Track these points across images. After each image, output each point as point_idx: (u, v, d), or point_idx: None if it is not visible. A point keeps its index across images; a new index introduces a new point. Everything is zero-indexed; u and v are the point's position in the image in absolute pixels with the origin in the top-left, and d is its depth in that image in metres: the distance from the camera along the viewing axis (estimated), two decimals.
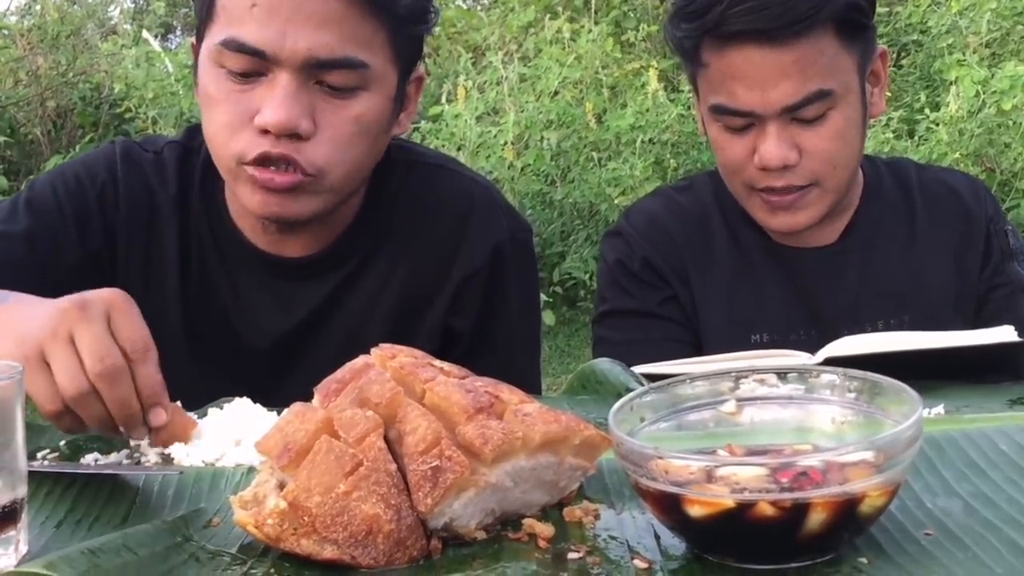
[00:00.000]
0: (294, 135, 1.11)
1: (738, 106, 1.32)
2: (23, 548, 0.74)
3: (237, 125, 1.13)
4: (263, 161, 1.12)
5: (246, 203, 1.18)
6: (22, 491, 0.74)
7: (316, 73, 1.12)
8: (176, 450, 0.92)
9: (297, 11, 1.10)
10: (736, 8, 1.26)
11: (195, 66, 1.22)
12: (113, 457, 0.92)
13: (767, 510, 0.64)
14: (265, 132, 1.11)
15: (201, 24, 1.18)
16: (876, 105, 1.40)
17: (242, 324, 1.28)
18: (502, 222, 1.34)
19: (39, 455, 0.93)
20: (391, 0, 1.15)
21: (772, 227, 1.41)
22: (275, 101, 1.11)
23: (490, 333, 1.32)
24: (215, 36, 1.14)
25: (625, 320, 1.47)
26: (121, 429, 0.92)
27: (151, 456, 0.92)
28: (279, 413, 0.96)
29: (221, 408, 0.99)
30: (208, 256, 1.28)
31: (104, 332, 0.90)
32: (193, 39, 1.23)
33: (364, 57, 1.14)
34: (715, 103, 1.34)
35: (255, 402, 1.00)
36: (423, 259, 1.30)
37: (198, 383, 1.09)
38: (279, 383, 1.23)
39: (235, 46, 1.11)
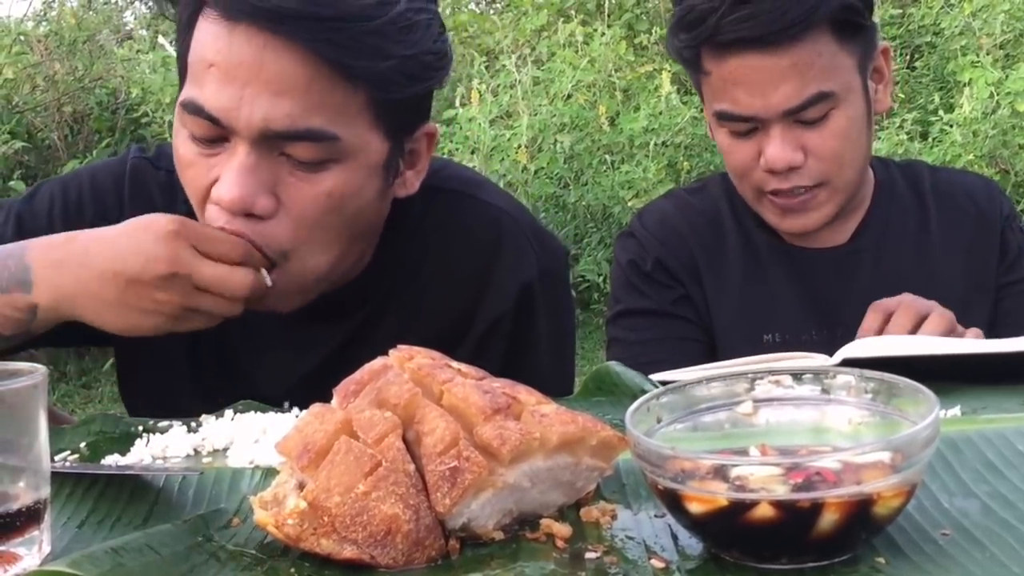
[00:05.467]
0: (251, 214, 1.02)
1: (740, 111, 1.33)
2: (46, 548, 0.75)
3: (201, 196, 1.05)
4: None
5: None
6: (45, 491, 0.75)
7: (277, 144, 1.01)
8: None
9: (255, 75, 0.98)
10: (730, 16, 1.28)
11: None
12: (134, 458, 0.93)
13: (768, 510, 0.64)
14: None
15: (180, 76, 1.09)
16: (881, 101, 1.41)
17: (254, 368, 1.20)
18: (531, 258, 1.22)
19: (60, 456, 0.94)
20: (367, 63, 1.01)
21: (784, 229, 1.42)
22: (230, 175, 1.01)
23: (518, 373, 1.21)
24: (182, 96, 1.05)
25: (639, 320, 1.48)
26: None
27: (176, 455, 0.93)
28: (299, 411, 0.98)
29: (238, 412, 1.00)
30: None
31: (212, 268, 1.00)
32: None
33: (333, 128, 1.01)
34: (719, 109, 1.36)
35: None
36: (446, 303, 1.20)
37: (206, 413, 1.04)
38: None
39: (192, 108, 1.02)
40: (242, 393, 1.11)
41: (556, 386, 1.22)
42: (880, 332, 1.21)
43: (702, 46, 1.33)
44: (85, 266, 1.02)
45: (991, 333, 1.40)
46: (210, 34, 1.01)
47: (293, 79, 0.99)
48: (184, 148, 1.06)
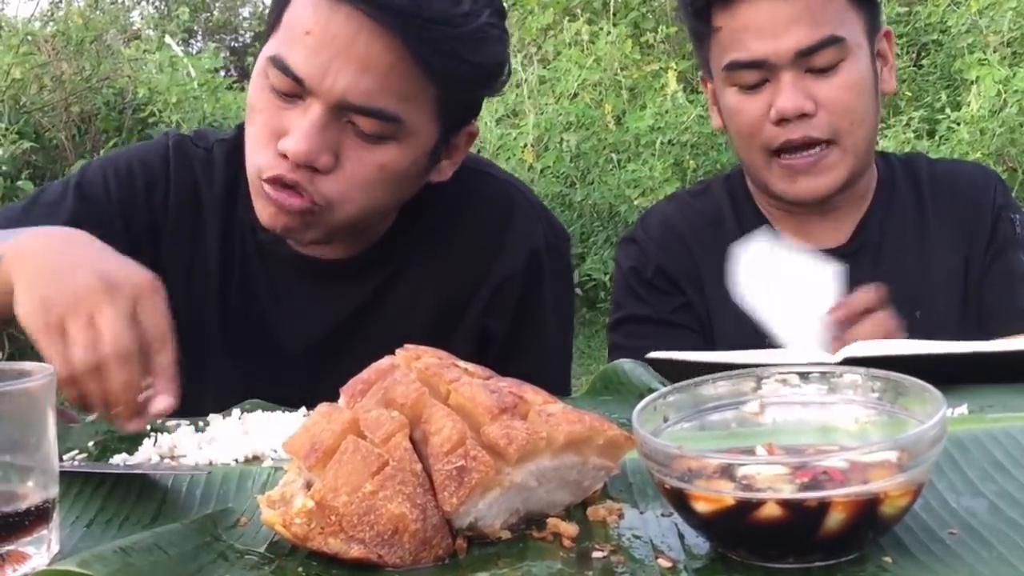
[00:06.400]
0: (311, 167, 1.12)
1: (752, 56, 1.33)
2: (55, 547, 0.75)
3: (264, 139, 1.14)
4: (278, 182, 1.14)
5: (258, 214, 1.19)
6: (54, 491, 0.75)
7: (348, 113, 1.12)
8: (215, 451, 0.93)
9: (345, 50, 1.09)
10: None
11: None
12: (142, 457, 0.94)
13: (775, 510, 0.64)
14: (285, 156, 1.12)
15: (268, 32, 1.19)
16: (887, 82, 1.41)
17: (280, 326, 1.29)
18: (539, 227, 1.34)
19: (68, 456, 0.95)
20: (444, 63, 1.12)
21: (794, 195, 1.39)
22: (301, 131, 1.11)
23: (523, 338, 1.33)
24: (269, 49, 1.15)
25: (640, 327, 1.48)
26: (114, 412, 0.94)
27: (183, 454, 0.94)
28: (307, 410, 0.98)
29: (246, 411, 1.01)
30: (249, 257, 1.29)
31: (124, 315, 0.94)
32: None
33: (401, 111, 1.12)
34: (729, 61, 1.35)
35: (291, 405, 1.02)
36: (462, 262, 1.30)
37: (235, 383, 1.10)
38: (316, 386, 1.20)
39: (280, 65, 1.12)
40: (265, 349, 1.27)
41: (556, 359, 1.37)
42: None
43: (713, 2, 1.34)
44: (55, 241, 1.04)
45: (979, 324, 1.40)
46: (313, 6, 1.11)
47: (378, 61, 1.09)
48: (258, 96, 1.16)
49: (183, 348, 1.25)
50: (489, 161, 1.47)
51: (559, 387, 1.34)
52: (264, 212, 1.17)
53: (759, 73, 1.34)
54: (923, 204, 1.48)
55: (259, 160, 1.15)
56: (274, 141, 1.13)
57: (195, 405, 1.05)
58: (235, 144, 1.30)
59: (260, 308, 1.29)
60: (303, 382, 1.23)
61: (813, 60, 1.32)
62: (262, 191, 1.16)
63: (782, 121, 1.33)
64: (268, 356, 1.28)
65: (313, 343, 1.29)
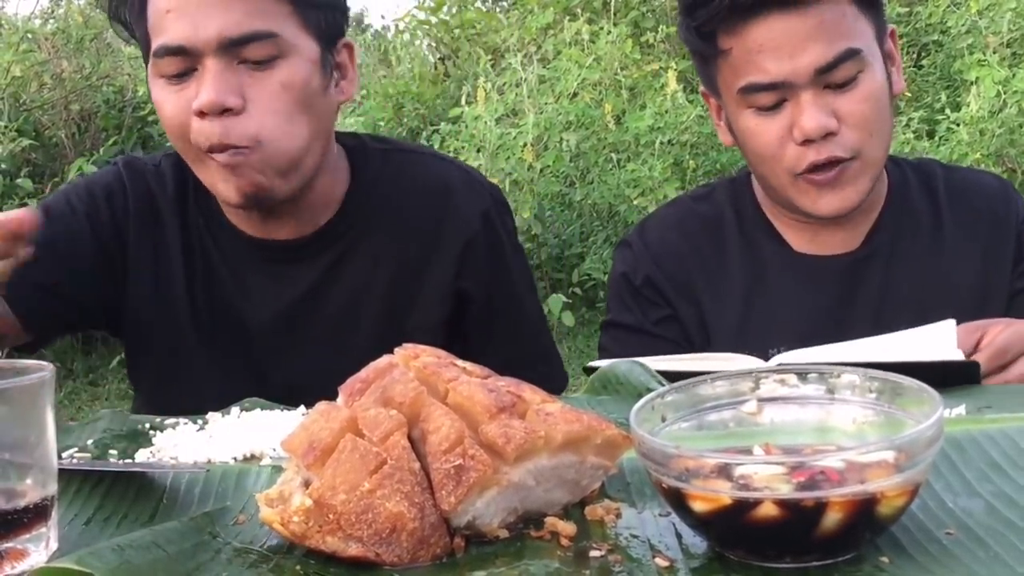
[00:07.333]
0: (226, 111, 1.21)
1: (770, 79, 1.30)
2: (53, 545, 0.75)
3: (183, 118, 1.24)
4: (217, 149, 1.22)
5: (220, 195, 1.28)
6: (53, 488, 0.75)
7: (235, 52, 1.22)
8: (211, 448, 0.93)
9: (202, 3, 1.21)
10: None
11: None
12: (140, 455, 0.94)
13: (772, 509, 0.64)
14: (203, 115, 1.21)
15: (146, 55, 1.29)
16: (897, 83, 1.39)
17: (243, 306, 1.38)
18: (483, 191, 1.45)
19: (67, 454, 0.95)
20: None
21: (821, 212, 1.36)
22: (205, 86, 1.21)
23: (499, 296, 1.42)
24: (152, 50, 1.25)
25: (623, 333, 1.47)
26: None
27: (183, 456, 0.94)
28: (306, 408, 0.98)
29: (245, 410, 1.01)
30: (208, 248, 1.39)
31: None
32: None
33: (272, 28, 1.24)
34: (745, 83, 1.32)
35: (261, 380, 1.09)
36: (411, 233, 1.39)
37: (207, 367, 1.19)
38: (281, 359, 1.35)
39: (162, 51, 1.23)
40: (234, 332, 1.36)
41: (533, 309, 1.49)
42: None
43: (721, 22, 1.31)
44: None
45: None
46: None
47: None
48: (162, 94, 1.26)
49: (160, 343, 1.38)
50: (432, 148, 1.62)
51: (543, 335, 1.49)
52: (225, 188, 1.25)
53: (777, 94, 1.31)
54: (939, 211, 1.45)
55: (191, 135, 1.23)
56: (190, 113, 1.23)
57: (173, 397, 1.08)
58: (180, 155, 1.38)
59: (223, 293, 1.38)
60: (269, 358, 1.34)
61: (832, 76, 1.29)
62: (211, 165, 1.24)
63: (806, 141, 1.30)
64: (234, 337, 1.36)
65: (275, 319, 1.37)
